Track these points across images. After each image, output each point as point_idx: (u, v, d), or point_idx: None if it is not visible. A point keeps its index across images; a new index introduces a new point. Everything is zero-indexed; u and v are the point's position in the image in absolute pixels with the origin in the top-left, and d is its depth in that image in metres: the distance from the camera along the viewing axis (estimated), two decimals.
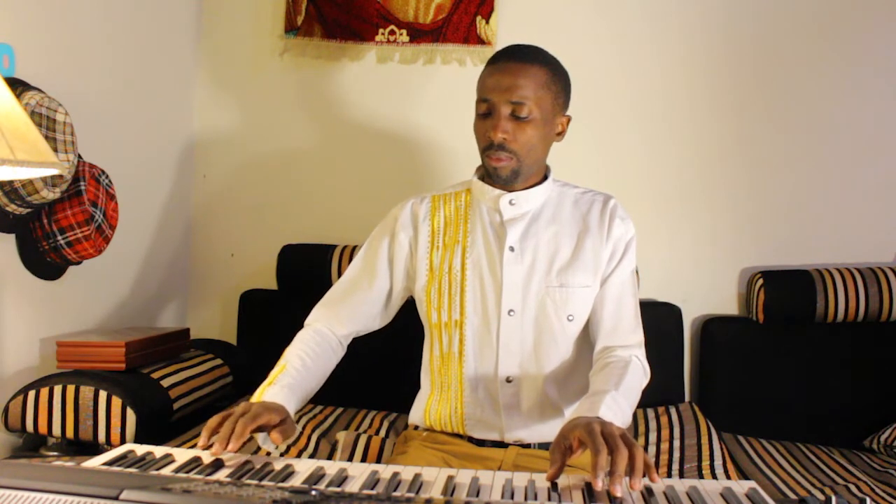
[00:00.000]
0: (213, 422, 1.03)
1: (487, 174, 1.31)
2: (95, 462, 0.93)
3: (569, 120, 1.34)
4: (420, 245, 1.37)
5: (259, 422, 1.03)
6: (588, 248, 1.31)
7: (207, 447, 0.99)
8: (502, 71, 1.25)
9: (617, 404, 1.06)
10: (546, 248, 1.31)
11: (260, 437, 1.07)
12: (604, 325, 1.30)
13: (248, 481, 0.88)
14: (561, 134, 1.34)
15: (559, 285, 1.29)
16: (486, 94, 1.26)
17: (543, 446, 1.31)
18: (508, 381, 1.30)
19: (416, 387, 1.45)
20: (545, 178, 1.36)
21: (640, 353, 1.28)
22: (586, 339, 1.34)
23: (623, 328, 1.29)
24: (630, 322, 1.30)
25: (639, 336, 1.30)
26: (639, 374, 1.23)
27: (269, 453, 1.50)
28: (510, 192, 1.31)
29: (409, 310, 1.44)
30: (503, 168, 1.27)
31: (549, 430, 1.30)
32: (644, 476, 0.86)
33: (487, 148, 1.27)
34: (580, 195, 1.37)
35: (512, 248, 1.30)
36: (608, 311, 1.30)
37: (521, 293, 1.29)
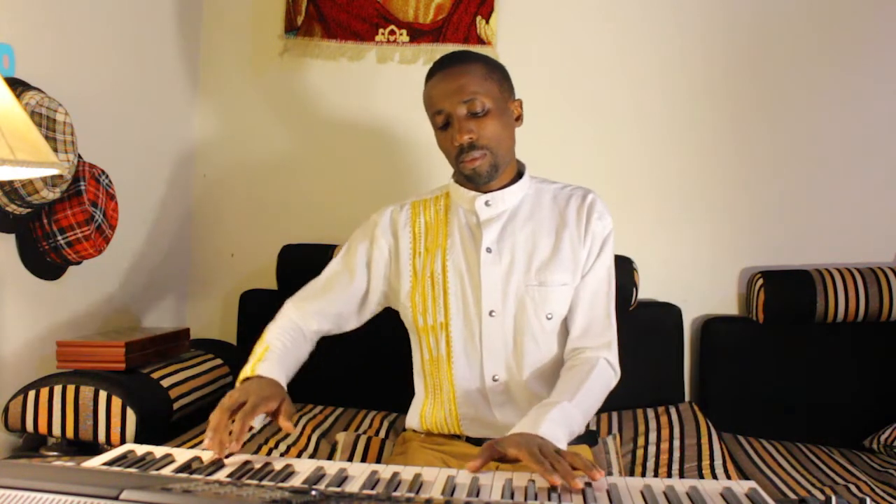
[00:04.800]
0: (214, 421, 1.03)
1: (468, 179, 1.31)
2: (95, 462, 0.93)
3: (521, 103, 1.35)
4: (402, 252, 1.37)
5: (257, 413, 1.05)
6: (566, 246, 1.31)
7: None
8: (443, 79, 1.28)
9: (565, 415, 1.10)
10: (523, 246, 1.31)
11: (256, 421, 1.07)
12: (576, 324, 1.31)
13: (248, 481, 0.88)
14: (519, 118, 1.35)
15: (538, 284, 1.29)
16: (437, 105, 1.28)
17: None
18: (495, 379, 1.31)
19: (413, 389, 1.45)
20: (520, 175, 1.36)
21: (610, 353, 1.29)
22: (567, 335, 1.35)
23: (594, 328, 1.30)
24: (601, 322, 1.31)
25: (609, 335, 1.30)
26: (603, 377, 1.25)
27: (269, 452, 1.50)
28: (486, 192, 1.32)
29: None
30: (481, 165, 1.27)
31: None
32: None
33: (459, 154, 1.27)
34: (559, 190, 1.38)
35: (489, 250, 1.31)
36: (581, 310, 1.31)
37: (500, 294, 1.30)
